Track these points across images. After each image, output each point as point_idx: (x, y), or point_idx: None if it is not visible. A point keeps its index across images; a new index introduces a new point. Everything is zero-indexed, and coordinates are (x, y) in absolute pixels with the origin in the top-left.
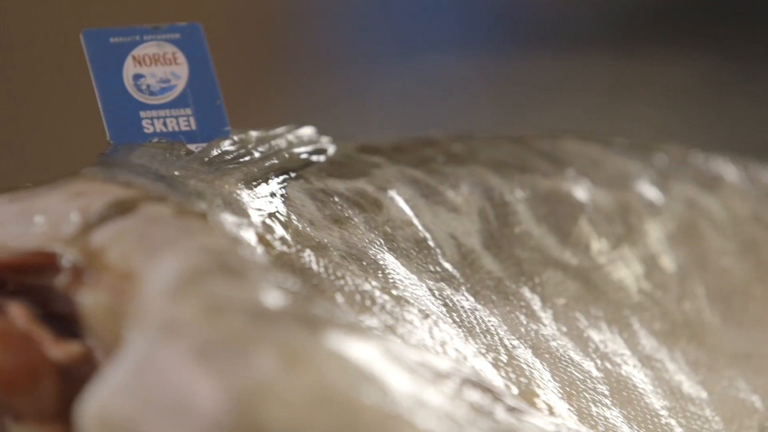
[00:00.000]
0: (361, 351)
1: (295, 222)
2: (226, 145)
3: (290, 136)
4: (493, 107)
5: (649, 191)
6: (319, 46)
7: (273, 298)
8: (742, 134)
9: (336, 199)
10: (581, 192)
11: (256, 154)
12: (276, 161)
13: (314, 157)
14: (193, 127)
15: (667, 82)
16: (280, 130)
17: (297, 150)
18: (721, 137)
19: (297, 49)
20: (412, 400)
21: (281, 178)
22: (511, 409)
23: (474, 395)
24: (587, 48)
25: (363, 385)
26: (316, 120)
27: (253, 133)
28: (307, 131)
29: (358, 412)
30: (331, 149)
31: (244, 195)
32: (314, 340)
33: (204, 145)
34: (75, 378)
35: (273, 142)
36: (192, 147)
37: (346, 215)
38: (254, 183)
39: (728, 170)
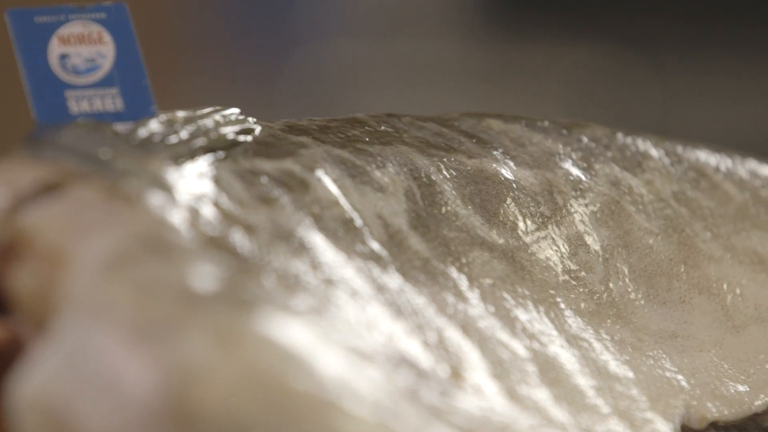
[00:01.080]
0: (290, 333)
1: (223, 203)
2: (153, 126)
3: (217, 117)
4: (392, 90)
5: (574, 171)
6: (263, 28)
7: (203, 280)
8: (646, 115)
9: (263, 179)
10: (506, 172)
11: (183, 135)
12: (203, 141)
13: (241, 138)
14: (120, 107)
15: (571, 66)
16: (206, 110)
17: (224, 130)
18: (625, 119)
19: (227, 28)
20: (341, 382)
21: (208, 158)
22: (440, 392)
23: (402, 377)
24: (495, 32)
25: (293, 367)
26: (243, 101)
27: (180, 114)
28: (233, 111)
29: (289, 395)
30: (258, 129)
31: (172, 175)
32: (244, 322)
33: (131, 125)
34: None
35: (200, 123)
36: (118, 127)
37: (274, 196)
38: (182, 163)
39: (650, 151)
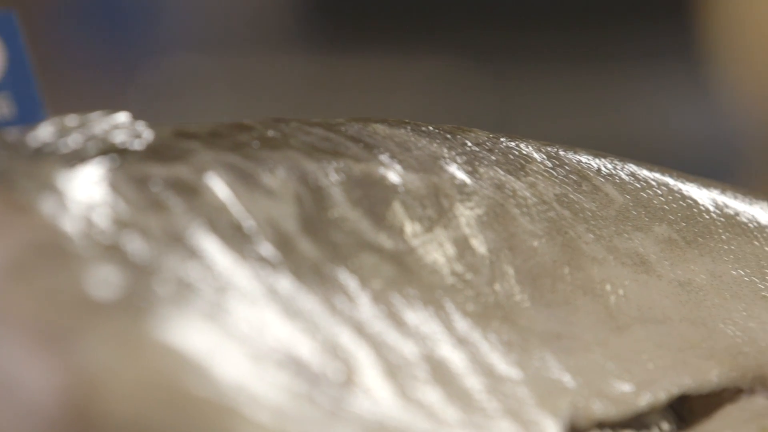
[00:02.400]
0: (188, 339)
1: (117, 208)
2: (43, 132)
3: (106, 122)
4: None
5: (459, 175)
6: (131, 38)
7: (100, 287)
8: (486, 125)
9: (155, 184)
10: (393, 176)
11: (75, 140)
12: (94, 147)
13: (131, 143)
14: (10, 113)
15: (419, 79)
16: (95, 115)
17: (114, 135)
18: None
19: (110, 38)
20: (240, 387)
21: (101, 163)
22: (334, 396)
23: (297, 382)
24: (338, 45)
25: (192, 373)
26: (131, 107)
27: (70, 119)
28: (122, 116)
29: (189, 400)
30: (147, 134)
31: (65, 181)
32: (143, 328)
33: (22, 131)
34: None
35: (90, 128)
36: (9, 133)
37: (166, 201)
38: (74, 169)
39: (533, 154)
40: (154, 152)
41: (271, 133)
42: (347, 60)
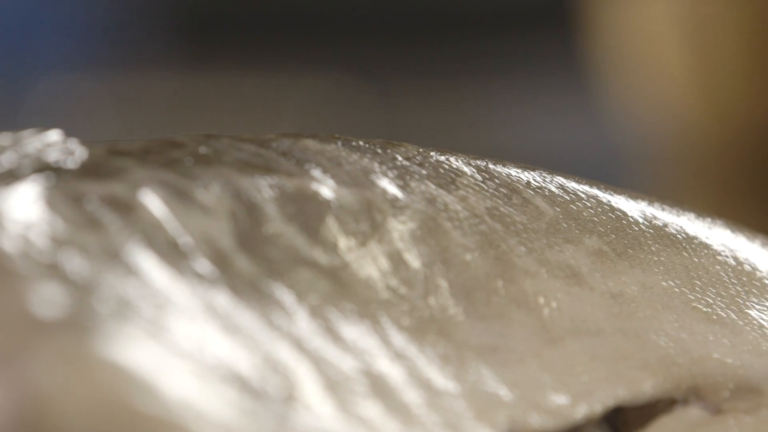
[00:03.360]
0: (133, 357)
1: (55, 227)
2: None
3: (38, 140)
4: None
5: (391, 189)
6: None
7: (43, 306)
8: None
9: (90, 202)
10: (326, 191)
11: (7, 159)
12: (28, 165)
13: (64, 160)
14: None
15: (304, 97)
16: (27, 133)
17: (47, 153)
18: None
19: None
20: (186, 404)
21: (35, 182)
22: (277, 413)
23: (242, 399)
24: (223, 64)
25: (140, 391)
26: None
27: (2, 138)
28: (54, 134)
29: (138, 418)
30: (80, 152)
31: (1, 201)
32: (89, 347)
33: None
34: None
35: (22, 146)
36: None
37: (101, 218)
38: (8, 188)
39: (463, 168)
40: (89, 170)
41: (203, 149)
42: (232, 78)
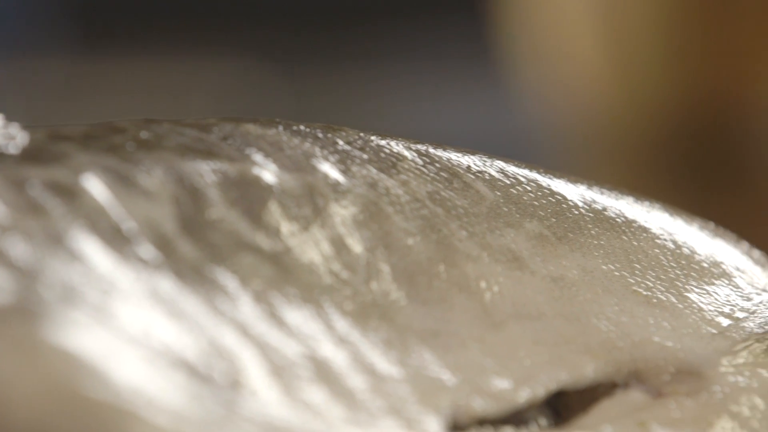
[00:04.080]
0: (81, 343)
1: None
2: None
3: None
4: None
5: (332, 174)
6: None
7: None
8: None
9: (32, 187)
10: (268, 176)
11: None
12: None
13: (5, 145)
14: None
15: (213, 82)
16: None
17: None
18: None
19: None
20: (135, 390)
21: None
22: (224, 399)
23: (191, 385)
24: (134, 49)
25: (89, 377)
26: None
27: None
28: None
29: (88, 404)
30: (22, 137)
31: None
32: (38, 333)
33: None
34: None
35: None
36: None
37: (44, 203)
38: None
39: (404, 152)
40: (30, 155)
41: (144, 134)
42: (139, 62)
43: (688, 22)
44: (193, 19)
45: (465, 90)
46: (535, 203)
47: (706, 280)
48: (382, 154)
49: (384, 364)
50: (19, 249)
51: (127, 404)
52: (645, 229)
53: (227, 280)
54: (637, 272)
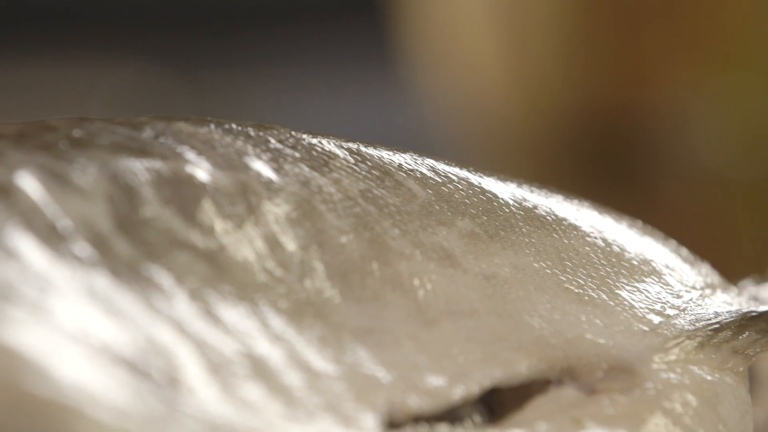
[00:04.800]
0: (20, 341)
1: None
2: None
3: None
4: None
5: (265, 172)
6: None
7: None
8: None
9: None
10: (202, 174)
11: None
12: None
13: None
14: None
15: (113, 86)
16: None
17: None
18: None
19: None
20: (77, 387)
21: None
22: (164, 396)
23: (131, 382)
24: (32, 52)
25: (31, 374)
26: None
27: None
28: None
29: (31, 401)
30: None
31: None
32: None
33: None
34: None
35: None
36: None
37: None
38: None
39: (335, 150)
40: None
41: (77, 132)
42: (34, 66)
43: (588, 27)
44: (90, 24)
45: (363, 93)
46: (467, 201)
47: (637, 277)
48: (314, 153)
49: (319, 361)
50: None
51: (71, 401)
52: (575, 227)
53: (162, 278)
54: (568, 270)
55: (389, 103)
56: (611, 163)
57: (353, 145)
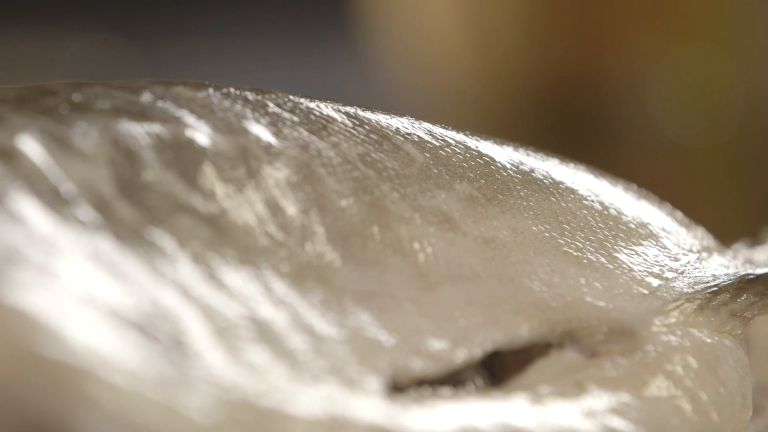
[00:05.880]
0: (32, 304)
1: None
2: None
3: None
4: None
5: (265, 136)
6: None
7: None
8: None
9: None
10: (202, 138)
11: None
12: None
13: None
14: None
15: (71, 56)
16: None
17: None
18: None
19: None
20: (91, 351)
21: None
22: (173, 359)
23: (141, 345)
24: None
25: (45, 337)
26: None
27: None
28: None
29: (46, 365)
30: None
31: None
32: None
33: None
34: None
35: None
36: None
37: None
38: None
39: (333, 114)
40: None
41: (77, 97)
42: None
43: None
44: None
45: (322, 62)
46: (464, 165)
47: (635, 240)
48: (312, 116)
49: (323, 325)
50: None
51: (84, 363)
52: (573, 191)
53: (165, 242)
54: (566, 233)
55: (348, 71)
56: (571, 132)
57: (351, 109)
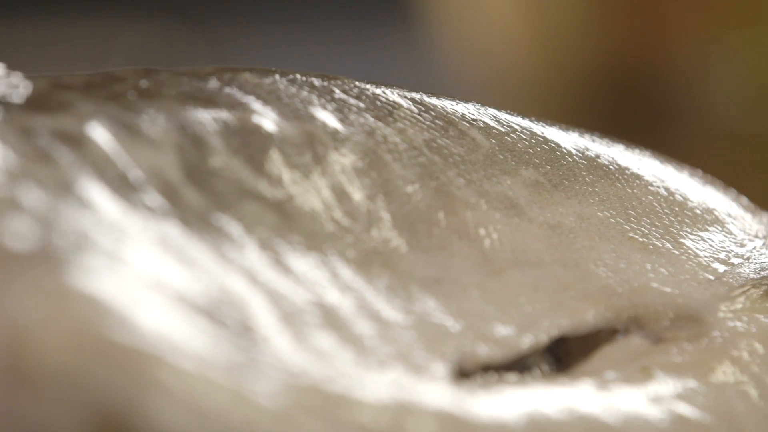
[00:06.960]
0: (103, 289)
1: (7, 160)
2: None
3: None
4: None
5: (331, 122)
6: None
7: (13, 239)
8: None
9: (39, 135)
10: (269, 124)
11: None
12: None
13: (10, 94)
14: None
15: (130, 43)
16: None
17: None
18: None
19: None
20: (160, 335)
21: None
22: (241, 345)
23: (210, 331)
24: (46, 10)
25: (115, 322)
26: None
27: None
28: None
29: (116, 350)
30: (25, 86)
31: None
32: (63, 279)
33: None
34: None
35: None
36: None
37: (52, 152)
38: None
39: (399, 100)
40: (35, 104)
41: (144, 83)
42: (49, 24)
43: None
44: None
45: (380, 49)
46: (530, 151)
47: (700, 226)
48: (378, 103)
49: (389, 310)
50: (33, 197)
51: (154, 349)
52: (638, 176)
53: (232, 227)
54: (632, 219)
55: (406, 59)
56: (630, 118)
57: (416, 95)
